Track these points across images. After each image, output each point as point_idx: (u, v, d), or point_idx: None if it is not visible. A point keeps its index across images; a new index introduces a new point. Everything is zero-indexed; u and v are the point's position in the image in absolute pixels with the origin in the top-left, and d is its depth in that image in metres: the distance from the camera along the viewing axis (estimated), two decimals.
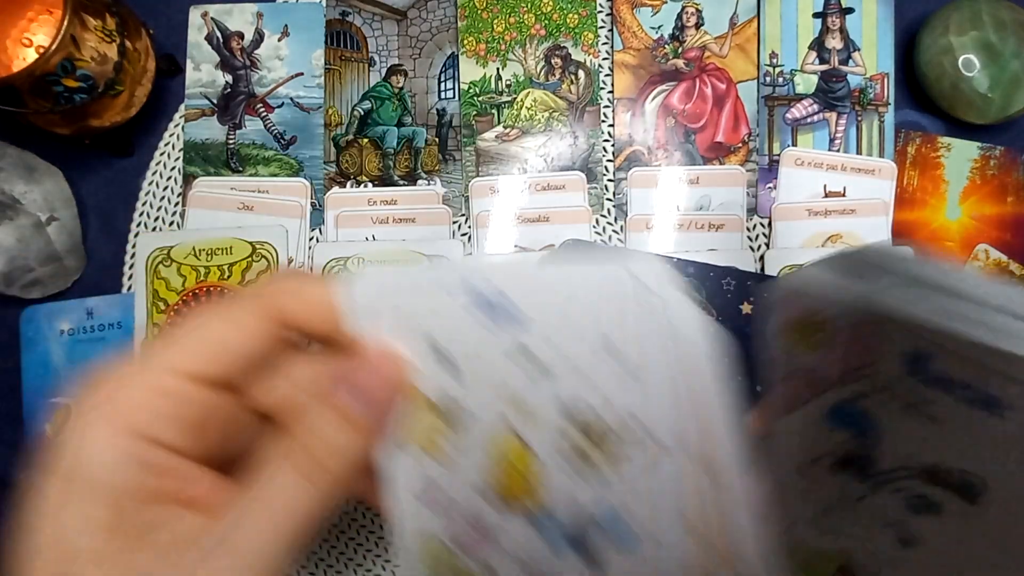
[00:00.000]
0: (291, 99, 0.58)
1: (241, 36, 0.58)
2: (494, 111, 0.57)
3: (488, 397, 0.24)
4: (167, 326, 0.28)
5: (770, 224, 0.56)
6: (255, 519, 0.22)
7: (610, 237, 0.56)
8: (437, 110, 0.58)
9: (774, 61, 0.57)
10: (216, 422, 0.24)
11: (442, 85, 0.58)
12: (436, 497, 0.25)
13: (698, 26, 0.57)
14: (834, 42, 0.57)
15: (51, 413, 0.54)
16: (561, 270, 0.23)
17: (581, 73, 0.57)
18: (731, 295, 0.52)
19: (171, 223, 0.57)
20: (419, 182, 0.57)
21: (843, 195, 0.56)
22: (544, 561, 0.25)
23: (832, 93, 0.57)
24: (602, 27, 0.58)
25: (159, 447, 0.23)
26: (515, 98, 0.57)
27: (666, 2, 0.57)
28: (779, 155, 0.56)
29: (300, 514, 0.23)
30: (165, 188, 0.57)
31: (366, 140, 0.57)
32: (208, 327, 0.24)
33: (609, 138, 0.57)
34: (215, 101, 0.58)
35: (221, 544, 0.22)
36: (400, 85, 0.58)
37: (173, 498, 0.22)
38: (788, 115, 0.57)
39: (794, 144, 0.56)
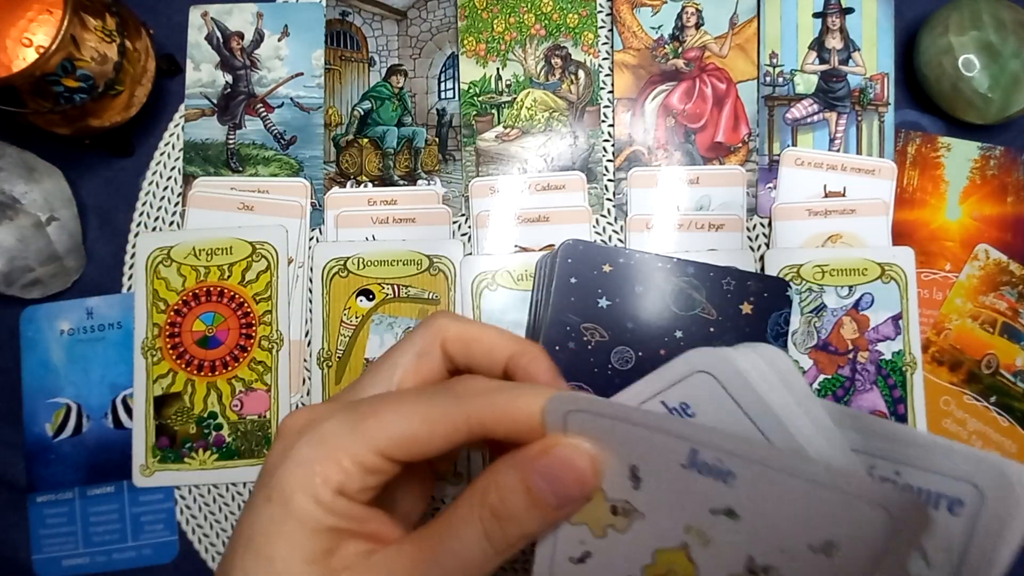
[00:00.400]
0: (291, 99, 0.58)
1: (241, 36, 0.58)
2: (494, 111, 0.57)
3: (671, 515, 0.25)
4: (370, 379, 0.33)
5: (770, 224, 0.56)
6: (441, 560, 0.26)
7: (610, 237, 0.56)
8: (437, 110, 0.58)
9: (774, 61, 0.57)
10: (395, 481, 0.29)
11: (442, 85, 0.58)
12: (590, 565, 0.27)
13: (698, 26, 0.57)
14: (834, 42, 0.57)
15: (51, 413, 0.54)
16: (791, 465, 0.22)
17: (581, 73, 0.57)
18: (731, 295, 0.52)
19: (171, 223, 0.57)
20: (419, 182, 0.57)
21: (843, 195, 0.56)
22: None
23: (832, 93, 0.57)
24: (602, 27, 0.58)
25: (351, 501, 0.27)
26: (515, 98, 0.57)
27: (666, 2, 0.57)
28: (779, 155, 0.56)
29: (473, 566, 0.26)
30: (165, 188, 0.57)
31: (366, 140, 0.57)
32: (407, 418, 0.28)
33: (609, 138, 0.57)
34: (215, 101, 0.58)
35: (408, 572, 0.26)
36: (400, 85, 0.58)
37: (354, 534, 0.27)
38: (788, 115, 0.57)
39: (794, 144, 0.56)
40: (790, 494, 0.22)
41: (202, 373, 0.54)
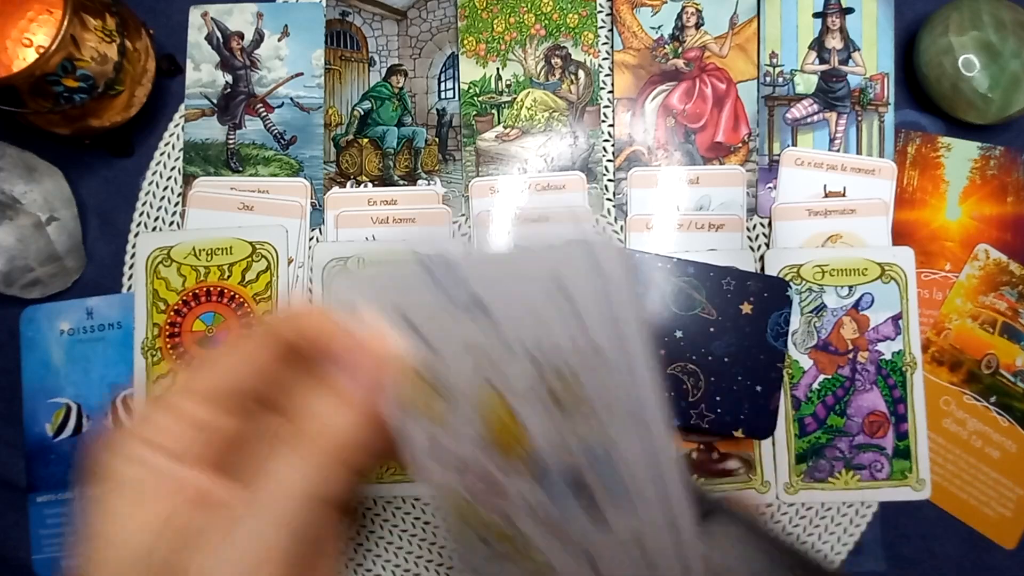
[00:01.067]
0: (291, 99, 0.58)
1: (241, 36, 0.58)
2: (494, 111, 0.57)
3: (462, 358, 0.25)
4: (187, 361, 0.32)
5: (770, 224, 0.56)
6: (259, 509, 0.24)
7: (610, 237, 0.56)
8: (437, 110, 0.58)
9: (774, 61, 0.57)
10: (236, 437, 0.27)
11: (442, 85, 0.58)
12: (444, 455, 0.26)
13: (698, 26, 0.57)
14: (834, 42, 0.57)
15: (51, 413, 0.54)
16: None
17: (581, 73, 0.57)
18: (731, 295, 0.52)
19: (171, 223, 0.57)
20: (419, 182, 0.57)
21: (843, 195, 0.56)
22: (551, 511, 0.26)
23: (832, 93, 0.57)
24: (602, 27, 0.58)
25: (183, 462, 0.26)
26: (515, 98, 0.57)
27: (666, 2, 0.57)
28: (779, 155, 0.56)
29: (298, 496, 0.24)
30: (165, 188, 0.57)
31: (366, 140, 0.57)
32: (219, 360, 0.27)
33: (609, 138, 0.57)
34: (215, 101, 0.58)
35: (225, 536, 0.24)
36: (400, 85, 0.58)
37: (190, 499, 0.25)
38: (788, 115, 0.57)
39: (794, 144, 0.56)
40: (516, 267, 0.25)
41: None
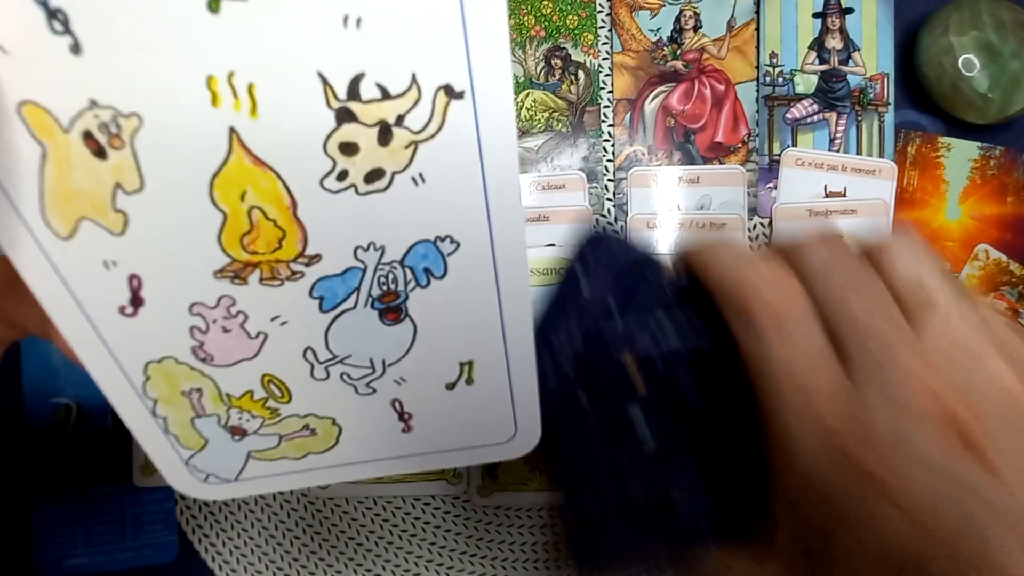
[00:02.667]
0: None
1: None
2: None
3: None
4: None
5: (770, 224, 0.56)
6: None
7: None
8: None
9: (774, 61, 0.57)
10: None
11: None
12: (151, 306, 0.18)
13: (696, 29, 0.57)
14: (834, 42, 0.57)
15: (51, 413, 0.54)
16: None
17: (581, 73, 0.57)
18: None
19: None
20: None
21: (843, 195, 0.56)
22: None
23: (832, 93, 0.57)
24: (602, 27, 0.58)
25: None
26: (515, 99, 0.57)
27: (664, 5, 0.58)
28: (779, 155, 0.56)
29: None
30: None
31: None
32: None
33: (609, 138, 0.57)
34: None
35: None
36: None
37: None
38: (788, 115, 0.57)
39: (794, 144, 0.57)
40: None
41: None
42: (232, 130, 0.15)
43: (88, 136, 0.15)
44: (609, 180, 0.57)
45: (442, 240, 0.18)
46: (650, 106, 0.57)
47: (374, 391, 0.21)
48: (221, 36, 0.14)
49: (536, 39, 0.58)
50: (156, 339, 0.19)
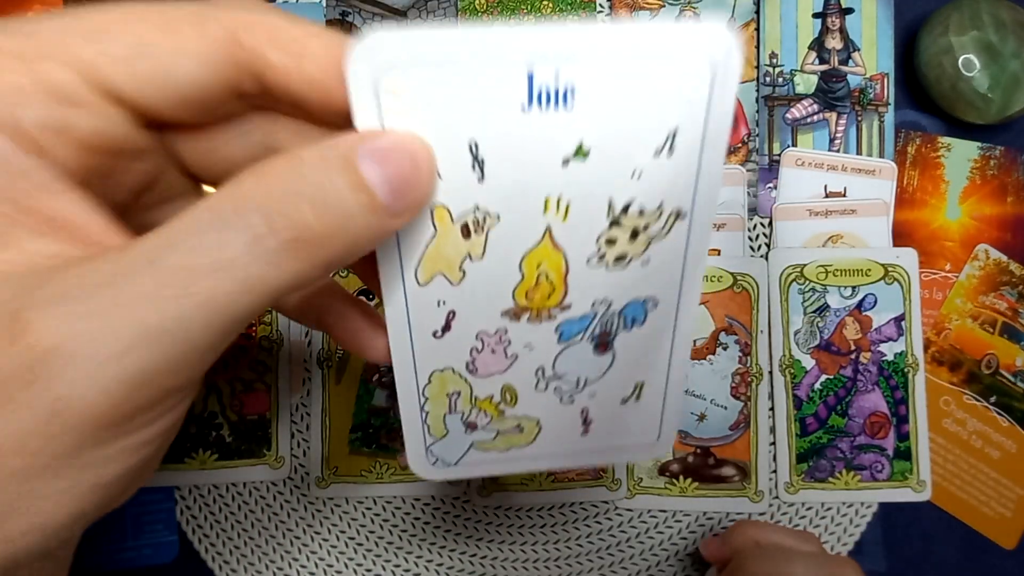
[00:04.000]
0: None
1: None
2: None
3: (527, 195, 0.22)
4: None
5: (771, 224, 0.56)
6: (165, 273, 0.16)
7: None
8: None
9: (774, 61, 0.57)
10: (124, 171, 0.20)
11: None
12: (456, 330, 0.25)
13: None
14: (834, 42, 0.57)
15: None
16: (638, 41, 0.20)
17: None
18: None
19: None
20: None
21: (844, 195, 0.56)
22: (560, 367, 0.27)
23: (832, 93, 0.57)
24: None
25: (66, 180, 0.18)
26: None
27: (664, 5, 0.57)
28: (779, 155, 0.56)
29: (232, 273, 0.17)
30: None
31: None
32: (139, 33, 0.18)
33: None
34: None
35: (94, 293, 0.16)
36: None
37: (63, 234, 0.17)
38: (788, 115, 0.57)
39: (794, 144, 0.57)
40: (629, 86, 0.20)
41: None
42: (548, 227, 0.22)
43: (464, 226, 0.22)
44: None
45: (649, 300, 0.25)
46: None
47: (573, 401, 0.28)
48: (564, 178, 0.21)
49: None
50: (447, 355, 0.26)
